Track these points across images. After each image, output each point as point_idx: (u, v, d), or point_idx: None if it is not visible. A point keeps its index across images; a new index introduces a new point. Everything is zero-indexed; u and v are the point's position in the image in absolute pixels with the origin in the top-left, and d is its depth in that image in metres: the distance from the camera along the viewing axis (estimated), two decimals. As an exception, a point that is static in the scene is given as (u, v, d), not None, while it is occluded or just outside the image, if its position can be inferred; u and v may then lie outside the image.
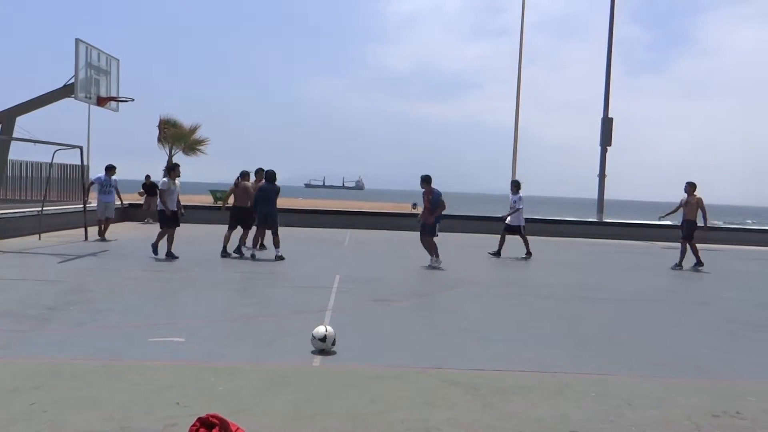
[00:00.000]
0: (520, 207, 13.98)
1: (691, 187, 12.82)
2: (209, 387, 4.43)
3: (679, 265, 12.85)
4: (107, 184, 14.40)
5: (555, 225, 21.73)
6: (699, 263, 12.72)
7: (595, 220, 22.50)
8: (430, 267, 11.23)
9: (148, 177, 21.24)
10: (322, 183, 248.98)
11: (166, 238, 11.30)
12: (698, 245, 12.92)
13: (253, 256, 11.78)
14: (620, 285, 10.58)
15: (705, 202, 12.64)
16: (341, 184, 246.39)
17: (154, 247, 11.28)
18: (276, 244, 11.71)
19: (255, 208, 11.87)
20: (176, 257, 11.06)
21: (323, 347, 5.41)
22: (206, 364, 5.02)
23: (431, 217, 11.63)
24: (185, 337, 5.81)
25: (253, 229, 12.26)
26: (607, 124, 22.73)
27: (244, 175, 12.44)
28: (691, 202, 12.83)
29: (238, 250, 11.85)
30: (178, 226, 11.59)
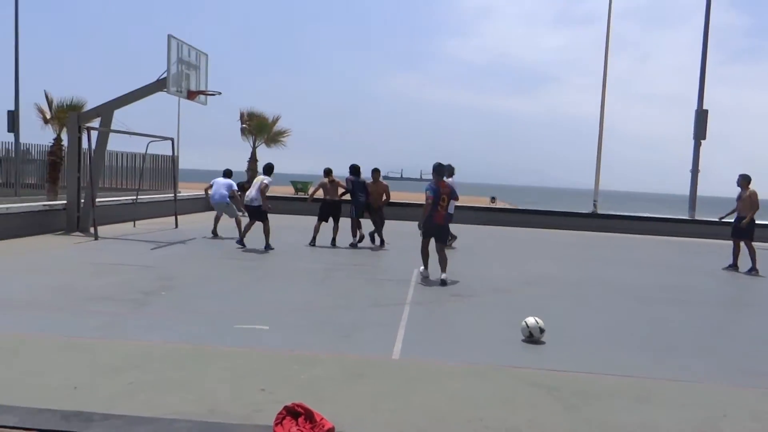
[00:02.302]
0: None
1: (744, 180, 11.72)
2: (292, 375, 4.56)
3: (734, 266, 11.87)
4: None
5: (642, 222, 20.87)
6: (753, 268, 11.50)
7: (686, 217, 21.42)
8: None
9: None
10: (399, 175, 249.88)
11: (245, 226, 12.10)
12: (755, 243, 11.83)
13: (353, 245, 12.63)
14: (714, 287, 10.04)
15: None
16: (419, 177, 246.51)
17: (268, 245, 11.57)
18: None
19: (352, 201, 12.71)
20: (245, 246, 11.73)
21: (536, 335, 5.83)
22: (289, 352, 5.17)
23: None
24: (269, 325, 6.00)
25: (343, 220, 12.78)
26: (701, 116, 21.52)
27: (329, 172, 12.87)
28: (743, 197, 11.71)
29: (371, 239, 12.95)
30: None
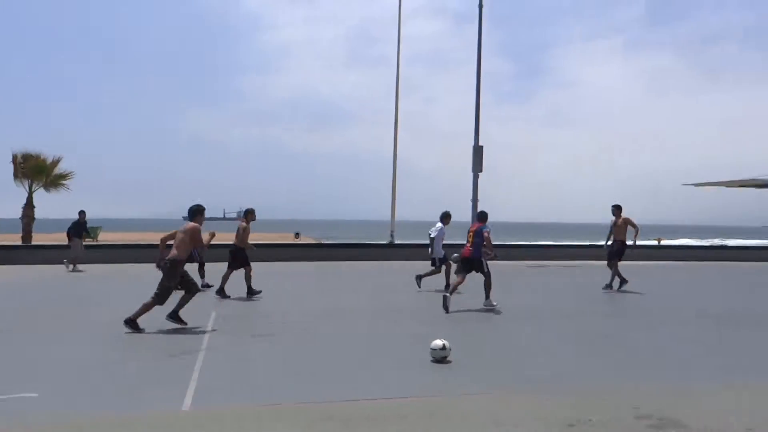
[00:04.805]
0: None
1: (617, 210, 13.17)
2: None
3: (623, 282, 13.01)
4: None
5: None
6: (622, 281, 12.95)
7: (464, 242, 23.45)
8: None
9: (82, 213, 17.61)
10: (222, 215, 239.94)
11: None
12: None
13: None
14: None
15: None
16: (222, 216, 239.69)
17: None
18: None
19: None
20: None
21: (444, 354, 6.43)
22: (64, 420, 4.65)
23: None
24: (38, 392, 5.35)
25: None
26: (477, 151, 23.87)
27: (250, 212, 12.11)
28: (619, 224, 13.11)
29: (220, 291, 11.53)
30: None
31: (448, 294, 10.13)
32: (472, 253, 10.48)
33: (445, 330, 8.40)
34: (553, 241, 40.53)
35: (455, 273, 11.13)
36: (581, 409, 4.89)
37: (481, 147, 23.98)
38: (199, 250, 11.71)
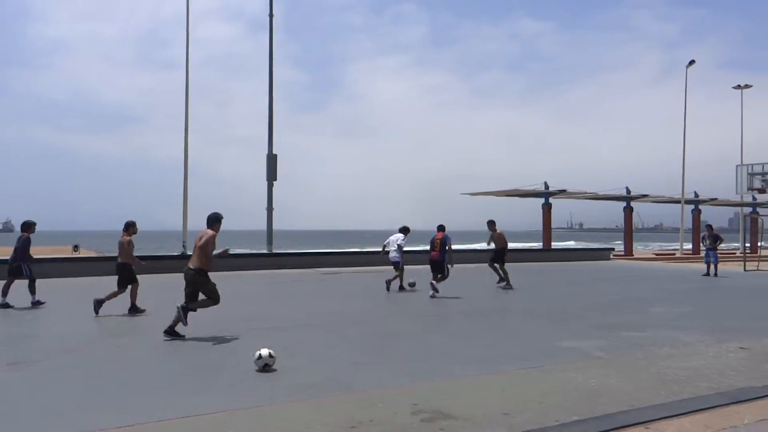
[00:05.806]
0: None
1: (492, 224, 15.78)
2: None
3: (501, 283, 15.57)
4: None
5: (232, 259, 21.87)
6: (508, 283, 15.37)
7: (265, 251, 23.33)
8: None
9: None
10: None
11: None
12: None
13: None
14: (281, 313, 11.12)
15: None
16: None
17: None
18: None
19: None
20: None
21: (266, 362, 6.49)
22: None
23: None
24: None
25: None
26: (272, 160, 23.86)
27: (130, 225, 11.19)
28: (495, 236, 15.76)
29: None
30: None
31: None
32: (439, 256, 13.50)
33: (257, 340, 8.29)
34: (347, 248, 41.85)
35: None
36: (363, 410, 5.13)
37: (275, 155, 24.04)
38: (30, 265, 11.68)
